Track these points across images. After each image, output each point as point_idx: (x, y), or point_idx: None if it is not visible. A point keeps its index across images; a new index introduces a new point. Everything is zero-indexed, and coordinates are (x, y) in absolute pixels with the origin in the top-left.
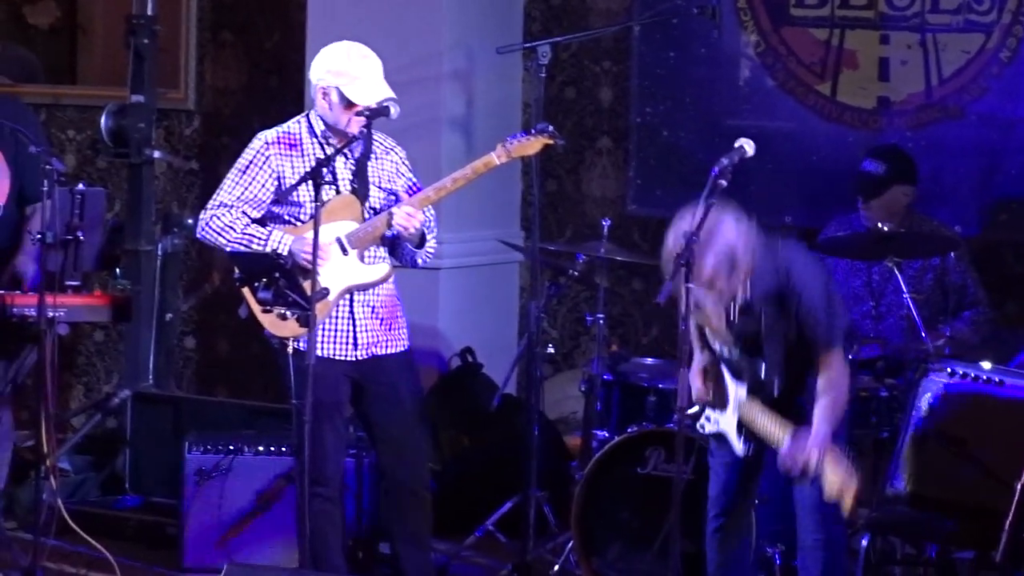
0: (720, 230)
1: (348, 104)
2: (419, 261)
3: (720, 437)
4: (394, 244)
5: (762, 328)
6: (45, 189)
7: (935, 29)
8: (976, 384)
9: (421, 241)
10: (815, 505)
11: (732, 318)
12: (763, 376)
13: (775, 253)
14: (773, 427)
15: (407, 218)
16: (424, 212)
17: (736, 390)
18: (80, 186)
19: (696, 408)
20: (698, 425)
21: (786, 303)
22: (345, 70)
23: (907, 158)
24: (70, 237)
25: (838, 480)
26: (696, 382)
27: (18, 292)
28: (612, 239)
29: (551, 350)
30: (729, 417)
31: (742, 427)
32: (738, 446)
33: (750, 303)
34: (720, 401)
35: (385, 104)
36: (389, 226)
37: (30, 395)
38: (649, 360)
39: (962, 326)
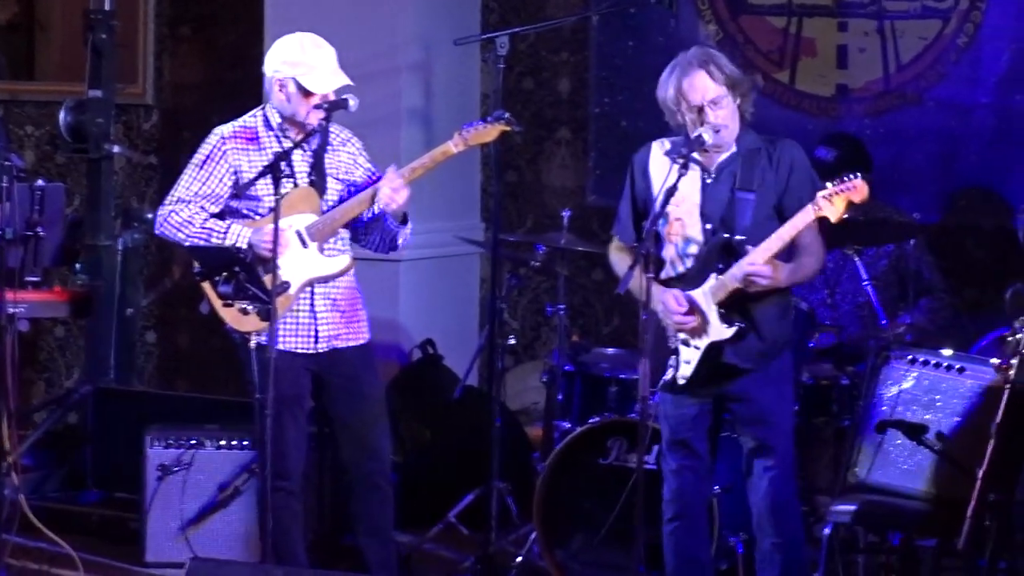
0: (714, 52)
1: (306, 94)
2: (400, 242)
3: (678, 444)
4: (370, 227)
5: (738, 186)
6: (5, 185)
7: (893, 16)
8: (937, 371)
9: (404, 218)
10: (771, 507)
11: (708, 181)
12: (735, 244)
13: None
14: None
15: (392, 193)
16: None
17: (703, 291)
18: (39, 182)
19: (671, 373)
20: (679, 377)
21: (770, 165)
22: (301, 60)
23: (859, 145)
24: (30, 233)
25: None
26: (671, 304)
27: None
28: (572, 229)
29: (512, 341)
30: (709, 324)
31: (722, 309)
32: (727, 332)
33: (731, 161)
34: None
35: (344, 97)
36: (372, 202)
37: None
38: (610, 350)
39: (919, 315)
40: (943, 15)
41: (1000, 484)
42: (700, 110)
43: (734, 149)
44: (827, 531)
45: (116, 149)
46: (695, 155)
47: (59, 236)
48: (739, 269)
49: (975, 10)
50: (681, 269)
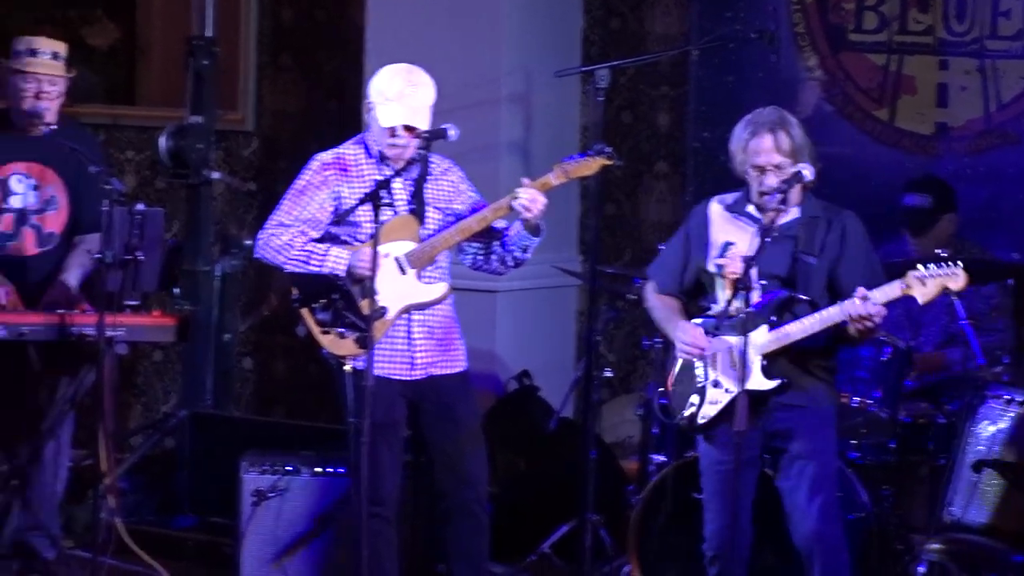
0: (788, 118)
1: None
2: (527, 255)
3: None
4: (489, 246)
5: (800, 249)
6: (105, 210)
7: (994, 55)
8: None
9: (537, 229)
10: (819, 544)
11: (767, 240)
12: (798, 300)
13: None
14: (817, 316)
15: (532, 200)
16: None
17: (751, 340)
18: (139, 206)
19: (691, 411)
20: (700, 416)
21: (828, 233)
22: (384, 90)
23: (947, 185)
24: (129, 257)
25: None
26: (697, 339)
27: (77, 312)
28: None
29: (608, 373)
30: (749, 372)
31: (767, 363)
32: (768, 384)
33: (793, 225)
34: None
35: (444, 127)
36: (510, 209)
37: (89, 414)
38: None
39: (979, 302)
40: None
41: None
42: (762, 170)
43: (797, 214)
44: (921, 569)
45: (215, 175)
46: (754, 212)
47: (158, 261)
48: (855, 308)
49: None
50: (731, 318)
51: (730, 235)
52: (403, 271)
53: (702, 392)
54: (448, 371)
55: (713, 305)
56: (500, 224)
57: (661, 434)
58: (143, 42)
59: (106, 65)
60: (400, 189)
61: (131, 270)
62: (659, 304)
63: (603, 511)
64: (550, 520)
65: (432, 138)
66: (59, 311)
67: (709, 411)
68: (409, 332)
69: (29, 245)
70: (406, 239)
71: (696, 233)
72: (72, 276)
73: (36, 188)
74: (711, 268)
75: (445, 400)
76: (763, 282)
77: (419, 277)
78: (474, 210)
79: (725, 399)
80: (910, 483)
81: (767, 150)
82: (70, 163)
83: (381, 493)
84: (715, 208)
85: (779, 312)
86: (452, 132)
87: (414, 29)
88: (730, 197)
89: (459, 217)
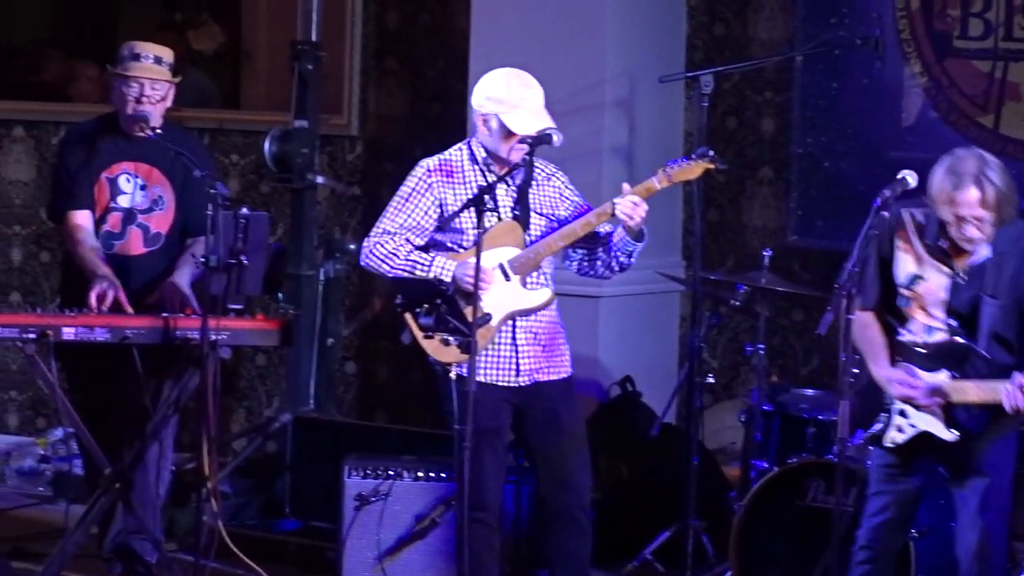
0: (991, 163)
1: (508, 133)
2: (632, 260)
3: (902, 456)
4: (593, 251)
5: (987, 292)
6: (210, 213)
7: None
8: None
9: (640, 234)
10: (979, 562)
11: (959, 282)
12: (978, 345)
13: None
14: (988, 388)
15: (633, 207)
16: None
17: (936, 378)
18: (244, 210)
19: (878, 427)
20: (888, 440)
21: (1020, 266)
22: (505, 98)
23: None
24: (233, 261)
25: None
26: (904, 382)
27: (181, 315)
28: (773, 269)
29: (711, 380)
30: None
31: (949, 412)
32: (948, 435)
33: (983, 266)
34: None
35: (547, 132)
36: (612, 215)
37: (192, 418)
38: (809, 391)
39: None
40: None
41: None
42: (963, 220)
43: (988, 253)
44: None
45: (320, 179)
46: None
47: (262, 265)
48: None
49: None
50: (921, 350)
51: (920, 266)
52: (507, 277)
53: (889, 413)
54: (553, 377)
55: (902, 335)
56: (605, 229)
57: (764, 440)
58: (248, 46)
59: (211, 69)
60: (504, 195)
61: (235, 274)
62: (865, 337)
63: (705, 517)
64: (652, 526)
65: (536, 143)
66: (163, 314)
67: (896, 436)
68: (514, 338)
69: (136, 245)
70: (510, 245)
71: (887, 251)
72: (183, 278)
73: (144, 188)
74: (900, 298)
75: (550, 406)
76: (952, 322)
77: (523, 283)
78: (578, 215)
79: (909, 432)
80: (1014, 492)
81: (971, 203)
82: (176, 166)
83: (484, 498)
84: (908, 223)
85: (958, 362)
86: (556, 137)
87: (518, 34)
88: (920, 215)
89: (563, 223)
